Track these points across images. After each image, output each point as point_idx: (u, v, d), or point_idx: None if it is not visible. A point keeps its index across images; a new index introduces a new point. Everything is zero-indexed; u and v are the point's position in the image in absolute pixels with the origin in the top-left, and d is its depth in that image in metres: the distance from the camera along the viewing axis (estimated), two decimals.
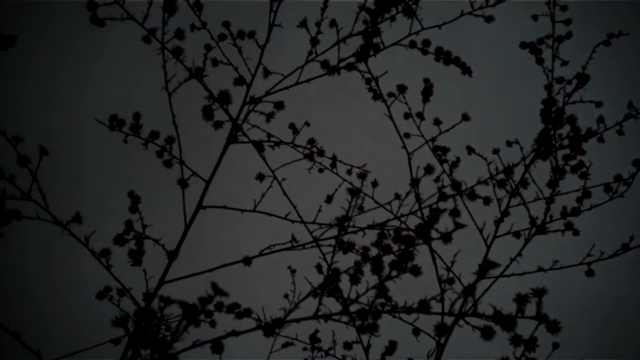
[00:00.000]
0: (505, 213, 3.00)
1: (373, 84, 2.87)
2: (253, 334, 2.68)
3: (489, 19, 2.81)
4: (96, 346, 2.63)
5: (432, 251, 2.70)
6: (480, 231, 2.93)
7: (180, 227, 2.78)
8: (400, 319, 2.50)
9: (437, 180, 2.93)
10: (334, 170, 2.94)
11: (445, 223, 2.79)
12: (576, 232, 2.94)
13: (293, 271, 2.89)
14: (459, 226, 2.73)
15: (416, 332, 2.65)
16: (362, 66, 2.81)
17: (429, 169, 2.87)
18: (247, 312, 2.68)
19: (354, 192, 2.79)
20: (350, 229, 2.72)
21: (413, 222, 2.78)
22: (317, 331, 2.77)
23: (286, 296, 2.86)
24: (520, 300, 2.18)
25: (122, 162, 3.12)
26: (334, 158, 2.94)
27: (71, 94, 3.34)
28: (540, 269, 2.92)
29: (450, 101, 3.15)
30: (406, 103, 2.96)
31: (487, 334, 2.31)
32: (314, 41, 2.82)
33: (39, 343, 2.54)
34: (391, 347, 2.66)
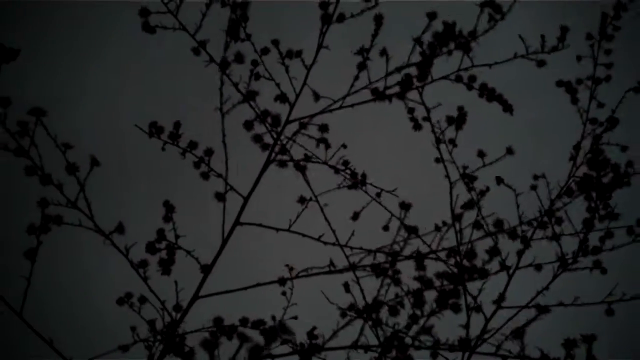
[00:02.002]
0: (527, 244, 3.03)
1: (416, 114, 2.89)
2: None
3: (541, 64, 2.84)
4: (106, 354, 2.63)
5: (465, 290, 2.71)
6: (503, 261, 2.96)
7: (213, 241, 2.77)
8: (439, 353, 2.51)
9: (471, 205, 2.94)
10: (364, 188, 2.95)
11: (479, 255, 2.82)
12: (604, 271, 2.99)
13: (291, 269, 2.89)
14: (503, 267, 2.76)
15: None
16: (412, 95, 2.82)
17: (470, 204, 2.89)
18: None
19: (410, 229, 2.80)
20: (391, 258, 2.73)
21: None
22: (314, 328, 2.76)
23: (284, 294, 2.87)
24: (569, 345, 2.21)
25: (159, 173, 3.09)
26: (363, 178, 2.94)
27: (113, 103, 3.32)
28: (560, 304, 2.96)
29: (484, 131, 3.18)
30: (440, 128, 2.98)
31: None
32: (362, 66, 2.83)
33: (72, 350, 2.53)
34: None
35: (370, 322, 2.54)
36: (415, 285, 2.63)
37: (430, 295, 2.60)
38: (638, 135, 3.25)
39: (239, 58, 2.76)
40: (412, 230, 2.85)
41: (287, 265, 2.87)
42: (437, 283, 2.57)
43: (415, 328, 2.53)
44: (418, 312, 2.53)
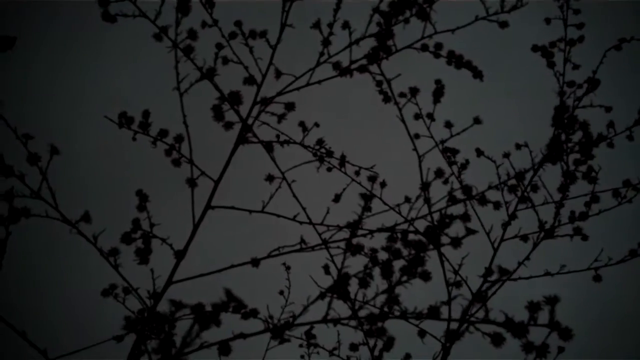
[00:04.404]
0: (512, 216, 2.98)
1: (384, 86, 2.86)
2: (247, 329, 2.68)
3: (503, 25, 2.80)
4: (99, 344, 2.62)
5: (441, 256, 2.69)
6: (488, 234, 2.92)
7: (188, 227, 2.77)
8: (407, 320, 2.49)
9: (445, 182, 2.92)
10: (343, 169, 2.93)
11: (454, 227, 2.78)
12: (585, 237, 2.93)
13: (287, 268, 2.89)
14: (470, 232, 2.72)
15: (421, 334, 2.65)
16: (374, 68, 2.80)
17: (439, 173, 2.86)
18: (254, 313, 2.68)
19: (367, 197, 2.78)
20: (360, 232, 2.71)
21: (422, 225, 2.78)
22: (312, 327, 2.76)
23: (281, 293, 2.86)
24: (533, 308, 2.17)
25: (131, 161, 3.09)
26: (342, 158, 2.92)
27: (81, 92, 3.33)
28: (547, 273, 2.91)
29: (460, 103, 3.14)
30: (417, 104, 2.95)
31: (497, 340, 2.30)
32: (326, 42, 2.81)
33: (46, 342, 2.53)
34: (388, 344, 2.66)
35: (336, 296, 2.52)
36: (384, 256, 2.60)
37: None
38: (620, 96, 3.20)
39: (192, 35, 2.75)
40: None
41: (283, 264, 2.87)
42: (405, 252, 2.54)
43: (382, 298, 2.51)
44: (388, 282, 2.50)
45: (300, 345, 2.82)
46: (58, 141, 2.61)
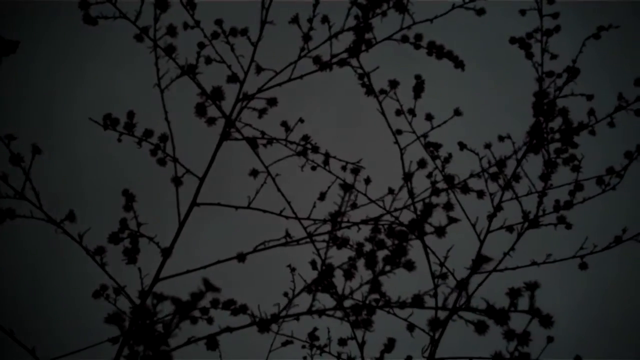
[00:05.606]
0: (498, 208, 3.00)
1: (366, 79, 2.88)
2: (251, 332, 2.69)
3: (481, 12, 2.82)
4: (94, 345, 2.63)
5: (425, 246, 2.70)
6: (474, 226, 2.94)
7: (175, 224, 2.78)
8: (395, 314, 2.50)
9: (429, 176, 2.94)
10: (327, 167, 2.95)
11: (438, 217, 2.80)
12: (569, 226, 2.96)
13: (293, 269, 2.89)
14: (452, 220, 2.73)
15: (410, 327, 2.66)
16: (354, 62, 2.81)
17: (422, 163, 2.87)
18: (243, 309, 2.69)
19: (346, 187, 2.80)
20: (343, 224, 2.73)
21: (406, 216, 2.79)
22: (315, 329, 2.78)
23: (286, 295, 2.88)
24: (513, 294, 2.18)
25: (116, 160, 3.11)
26: (327, 154, 2.94)
27: (63, 93, 3.35)
28: (533, 263, 2.93)
29: (441, 96, 3.16)
30: (397, 100, 2.97)
31: (480, 328, 2.31)
32: (306, 37, 2.83)
33: (35, 342, 2.54)
34: (390, 345, 2.67)
35: (320, 289, 2.53)
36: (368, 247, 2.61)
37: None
38: (603, 85, 3.22)
39: (172, 32, 2.77)
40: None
41: (288, 266, 2.88)
42: (389, 243, 2.56)
43: (366, 288, 2.52)
44: (372, 273, 2.51)
45: (303, 347, 2.84)
46: (40, 141, 2.63)
